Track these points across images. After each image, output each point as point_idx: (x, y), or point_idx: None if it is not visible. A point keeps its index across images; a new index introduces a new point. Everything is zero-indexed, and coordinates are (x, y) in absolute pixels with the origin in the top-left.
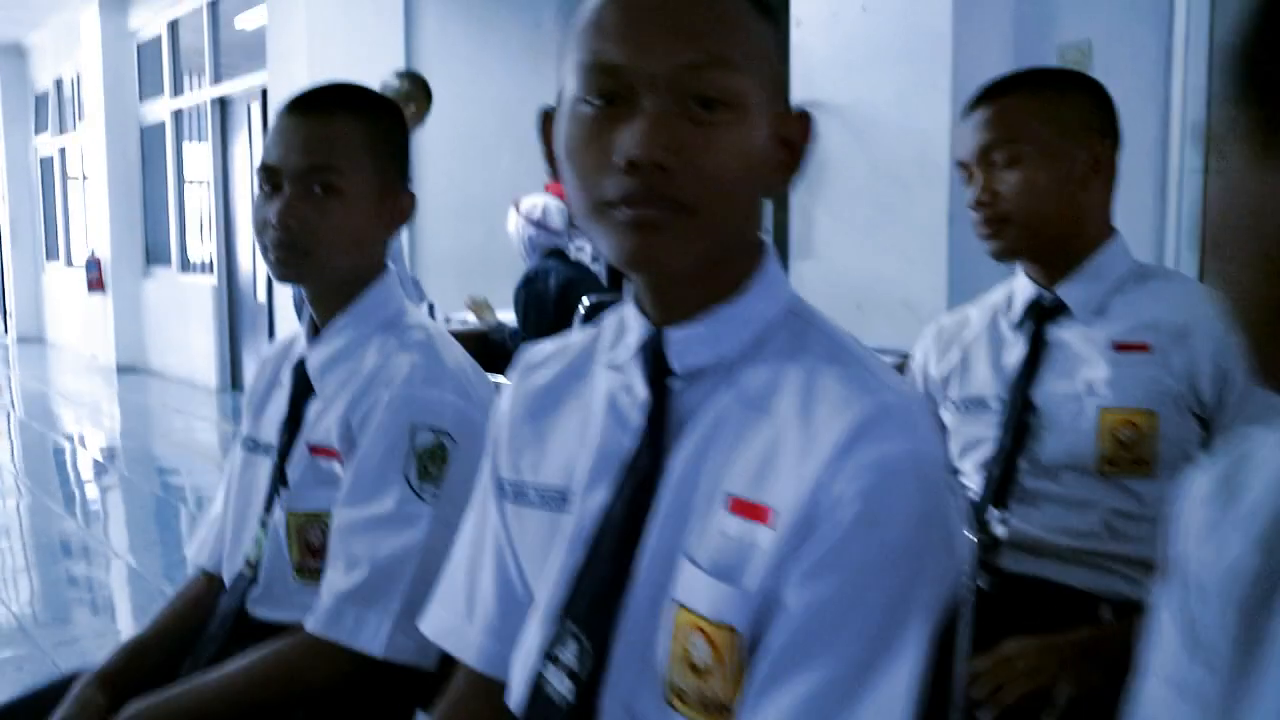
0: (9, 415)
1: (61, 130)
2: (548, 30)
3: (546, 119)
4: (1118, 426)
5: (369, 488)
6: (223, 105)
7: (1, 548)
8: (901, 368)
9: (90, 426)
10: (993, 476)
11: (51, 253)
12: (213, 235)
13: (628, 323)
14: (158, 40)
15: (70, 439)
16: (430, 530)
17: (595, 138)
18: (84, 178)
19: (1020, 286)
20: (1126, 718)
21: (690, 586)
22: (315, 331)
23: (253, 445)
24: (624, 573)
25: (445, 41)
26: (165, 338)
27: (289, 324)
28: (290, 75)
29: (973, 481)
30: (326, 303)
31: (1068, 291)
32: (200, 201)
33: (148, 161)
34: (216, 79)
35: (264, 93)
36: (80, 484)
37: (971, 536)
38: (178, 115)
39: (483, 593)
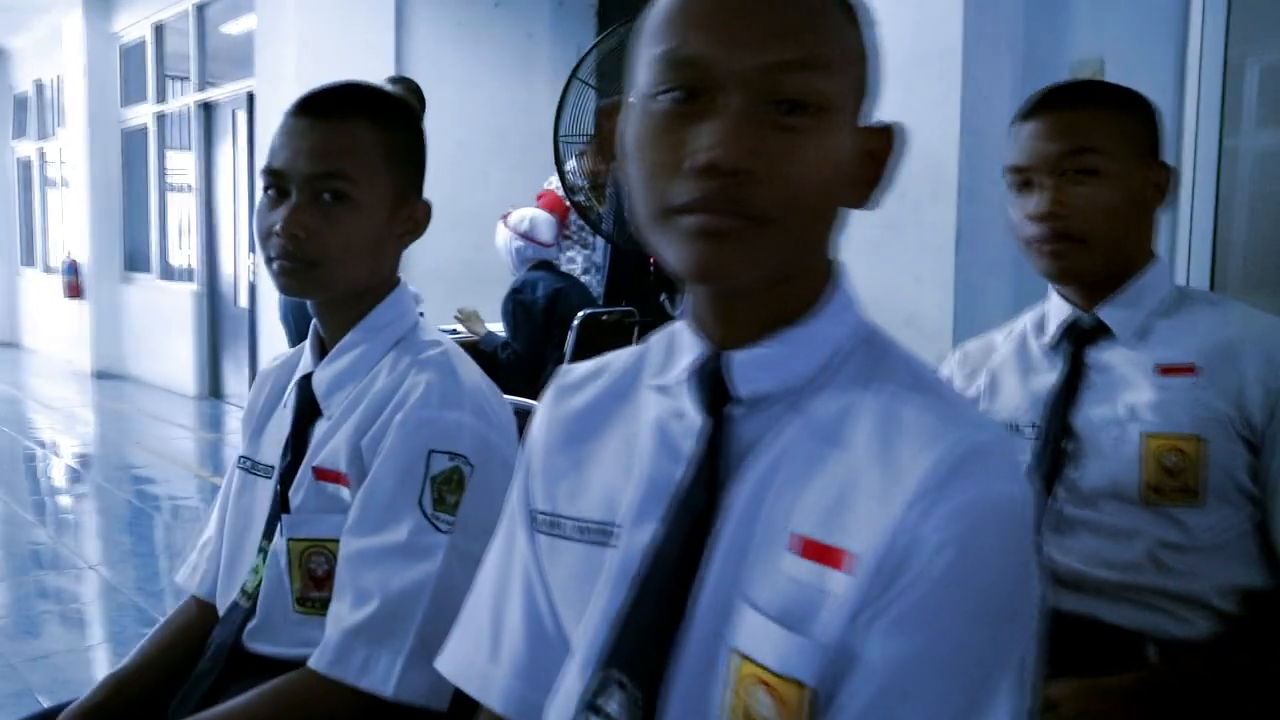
0: None
1: (41, 134)
2: (540, 42)
3: (608, 114)
4: (1163, 452)
5: (380, 516)
6: (207, 111)
7: None
8: None
9: (64, 433)
10: None
11: (28, 258)
12: (195, 242)
13: (680, 342)
14: (141, 44)
15: (43, 446)
16: (446, 562)
17: (667, 137)
18: (63, 182)
19: (1055, 308)
20: None
21: (753, 634)
22: (322, 348)
23: (251, 466)
24: (676, 616)
25: (436, 51)
26: (144, 344)
27: (272, 333)
28: (279, 82)
29: None
30: (334, 317)
31: (1110, 314)
32: (183, 208)
33: (129, 167)
34: (202, 84)
35: (250, 99)
36: (52, 492)
37: None
38: (161, 120)
39: (509, 631)
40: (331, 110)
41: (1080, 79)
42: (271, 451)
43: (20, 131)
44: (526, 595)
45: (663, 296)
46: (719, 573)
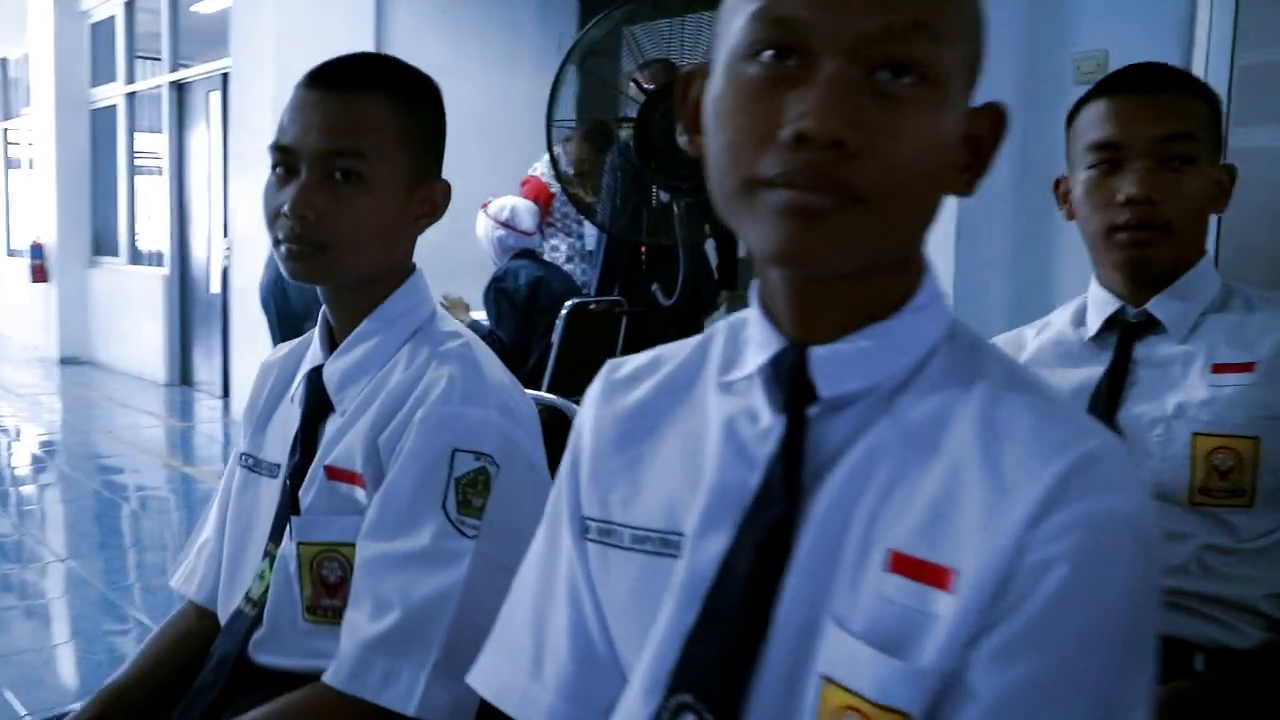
0: None
1: (6, 113)
2: (524, 30)
3: (686, 81)
4: (1214, 452)
5: (401, 520)
6: (180, 91)
7: None
8: None
9: (29, 421)
10: None
11: None
12: (166, 226)
13: (750, 335)
14: (111, 21)
15: (6, 433)
16: (472, 570)
17: (758, 103)
18: (29, 163)
19: (1097, 300)
20: None
21: (844, 659)
22: (331, 338)
23: (253, 464)
24: (755, 637)
25: (418, 36)
26: (112, 330)
27: (246, 320)
28: (255, 63)
29: None
30: (346, 306)
31: (1163, 307)
32: (153, 191)
33: (98, 148)
34: (174, 64)
35: (224, 80)
36: (16, 482)
37: None
38: (131, 100)
39: (553, 647)
40: (345, 82)
41: (1160, 64)
42: (276, 448)
43: None
44: (573, 609)
45: (654, 286)
46: (802, 590)
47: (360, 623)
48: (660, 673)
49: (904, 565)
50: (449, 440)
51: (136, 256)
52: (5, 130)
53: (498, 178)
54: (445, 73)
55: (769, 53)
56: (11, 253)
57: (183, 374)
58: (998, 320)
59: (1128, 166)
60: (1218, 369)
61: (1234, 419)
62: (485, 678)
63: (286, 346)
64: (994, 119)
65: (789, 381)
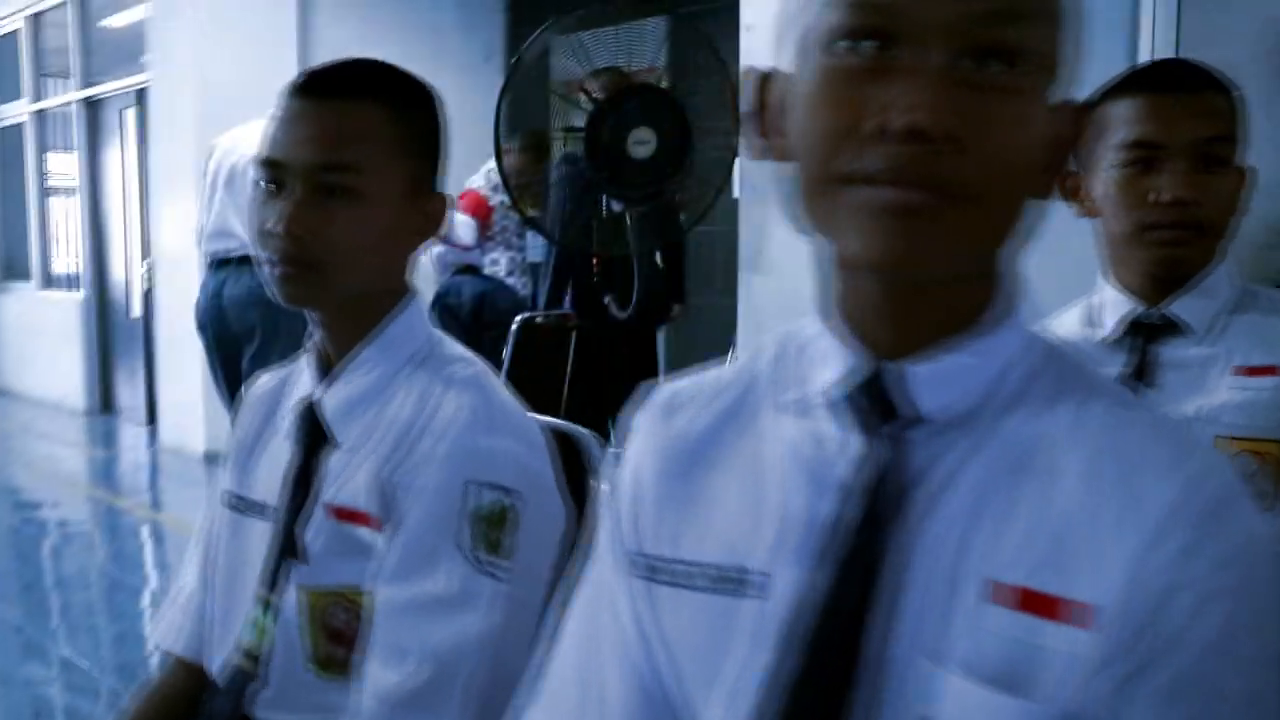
0: None
1: None
2: (448, 36)
3: (758, 83)
4: (1239, 456)
5: (420, 561)
6: (92, 109)
7: None
8: None
9: None
10: None
11: None
12: (80, 248)
13: (819, 350)
14: (15, 37)
15: None
16: (501, 613)
17: (846, 94)
18: None
19: (1111, 301)
20: None
21: (957, 700)
22: (324, 365)
23: (240, 505)
24: (845, 677)
25: (342, 43)
26: (25, 357)
27: (172, 342)
28: (174, 77)
29: None
30: (340, 330)
31: (1185, 307)
32: (66, 213)
33: (4, 168)
34: (86, 80)
35: (140, 96)
36: None
37: None
38: (40, 118)
39: (610, 696)
40: (336, 90)
41: (1189, 60)
42: (265, 487)
43: None
44: (627, 655)
45: (607, 298)
46: (896, 625)
47: (382, 676)
48: (738, 718)
49: (1012, 597)
50: (469, 473)
51: (50, 280)
52: None
53: None
54: None
55: (860, 42)
56: None
57: (104, 401)
58: None
59: (1165, 167)
60: (1246, 372)
61: (1259, 422)
62: None
63: (271, 375)
64: (1077, 118)
65: (875, 401)
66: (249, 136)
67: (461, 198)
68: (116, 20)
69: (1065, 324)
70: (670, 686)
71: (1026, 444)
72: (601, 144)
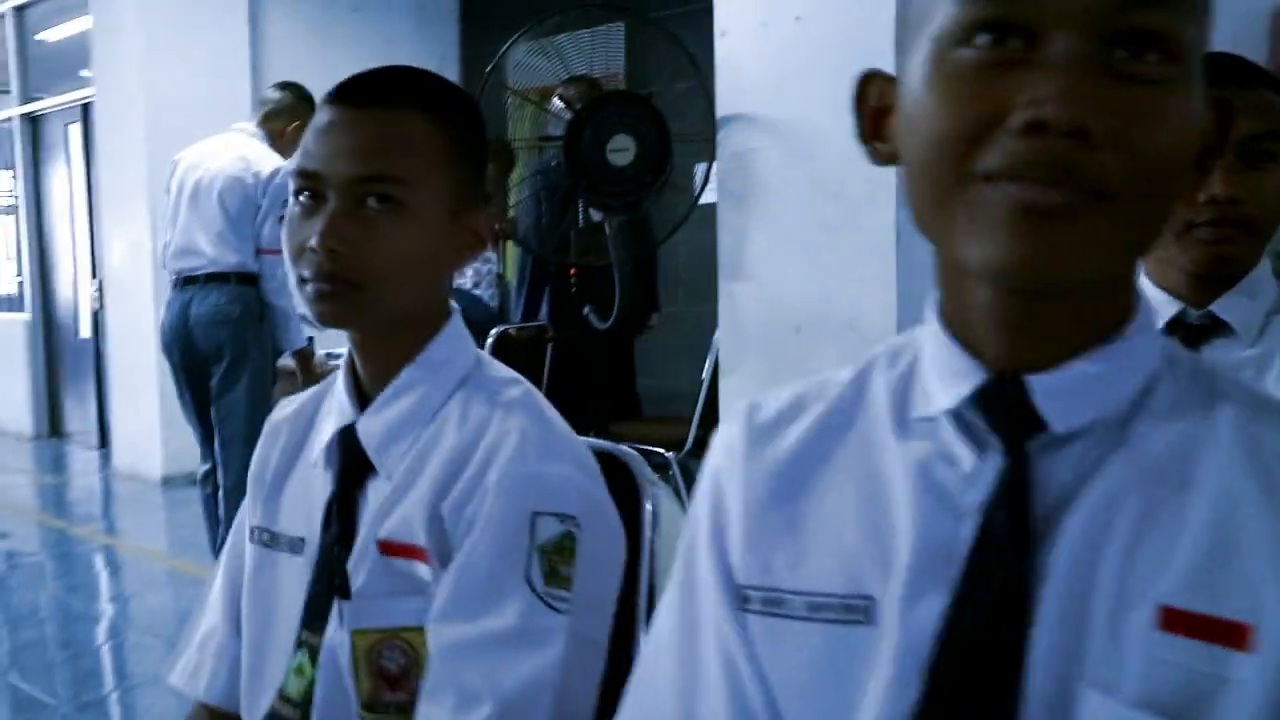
0: None
1: None
2: (400, 49)
3: (864, 85)
4: None
5: (481, 597)
6: (33, 124)
7: None
8: None
9: None
10: None
11: None
12: (24, 268)
13: (938, 364)
14: None
15: None
16: (567, 649)
17: (975, 87)
18: None
19: (1154, 302)
20: None
21: None
22: (359, 390)
23: (268, 539)
24: (1002, 712)
25: (293, 56)
26: None
27: (125, 363)
28: (121, 90)
29: None
30: (380, 352)
31: (1229, 309)
32: (6, 232)
33: None
34: (26, 95)
35: (85, 110)
36: None
37: None
38: None
39: None
40: (379, 99)
41: (1231, 53)
42: (295, 520)
43: None
44: (731, 695)
45: (587, 310)
46: (1050, 655)
47: None
48: None
49: (1181, 622)
50: (529, 503)
51: None
52: None
53: None
54: (323, 91)
55: (993, 34)
56: None
57: (52, 425)
58: None
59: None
60: None
61: None
62: None
63: (294, 401)
64: (1221, 113)
65: (1009, 415)
66: (213, 151)
67: None
68: (56, 33)
69: None
70: None
71: (1161, 455)
72: (581, 152)
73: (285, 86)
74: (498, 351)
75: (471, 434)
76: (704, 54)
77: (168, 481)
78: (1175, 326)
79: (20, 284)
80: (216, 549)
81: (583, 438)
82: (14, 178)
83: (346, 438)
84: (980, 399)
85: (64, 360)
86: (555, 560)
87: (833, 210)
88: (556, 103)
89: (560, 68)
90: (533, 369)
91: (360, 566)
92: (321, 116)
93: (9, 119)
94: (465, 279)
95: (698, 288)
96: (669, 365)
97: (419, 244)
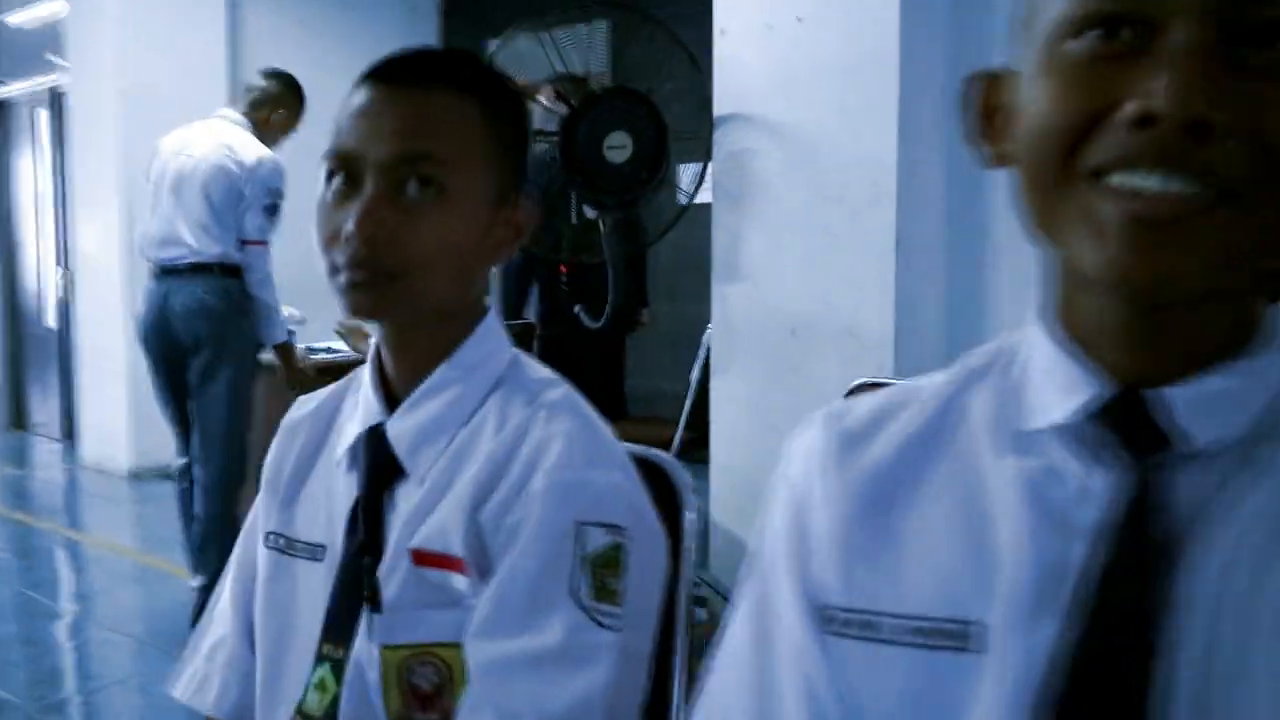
0: None
1: None
2: (386, 44)
3: (982, 86)
4: None
5: (525, 612)
6: (1, 109)
7: None
8: None
9: None
10: None
11: None
12: None
13: (1045, 373)
14: None
15: None
16: (617, 669)
17: (1087, 82)
18: None
19: None
20: None
21: None
22: (387, 388)
23: (285, 545)
24: None
25: (276, 48)
26: None
27: (93, 355)
28: (95, 77)
29: None
30: (413, 349)
31: None
32: None
33: None
34: None
35: (54, 96)
36: None
37: None
38: None
39: None
40: (420, 78)
41: None
42: (314, 525)
43: None
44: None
45: (578, 308)
46: (1183, 688)
47: None
48: None
49: None
50: (576, 512)
51: None
52: None
53: None
54: (305, 85)
55: (1100, 29)
56: None
57: (15, 416)
58: (939, 334)
59: None
60: None
61: None
62: None
63: (312, 399)
64: None
65: (1130, 430)
66: (197, 138)
67: None
68: (23, 17)
69: None
70: None
71: None
72: (577, 148)
73: (273, 75)
74: None
75: (511, 438)
76: (697, 54)
77: (136, 475)
78: None
79: None
80: (191, 546)
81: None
82: None
83: (374, 439)
84: (1105, 413)
85: (28, 350)
86: (603, 573)
87: (833, 214)
88: (542, 99)
89: (547, 64)
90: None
91: (391, 577)
92: (358, 96)
93: None
94: None
95: (679, 288)
96: (650, 365)
97: (460, 233)
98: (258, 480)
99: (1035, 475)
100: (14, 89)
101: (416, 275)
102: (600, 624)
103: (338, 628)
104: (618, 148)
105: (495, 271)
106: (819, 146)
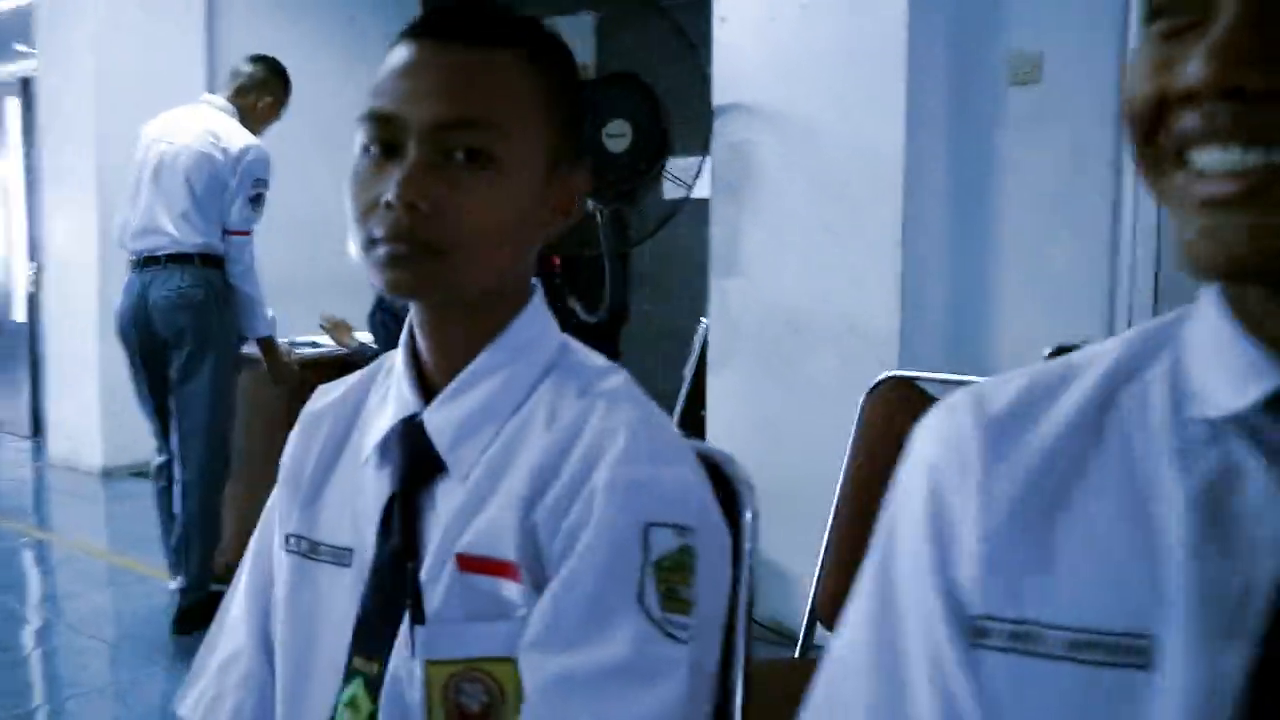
0: None
1: None
2: (363, 28)
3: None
4: None
5: (591, 623)
6: None
7: None
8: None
9: None
10: None
11: None
12: None
13: (1217, 359)
14: None
15: None
16: (687, 684)
17: (1150, 62)
18: None
19: None
20: None
21: None
22: (423, 376)
23: (307, 549)
24: None
25: (251, 32)
26: None
27: (64, 350)
28: (69, 65)
29: None
30: (453, 333)
31: None
32: None
33: None
34: None
35: (25, 84)
36: None
37: None
38: None
39: None
40: (468, 34)
41: None
42: (340, 527)
43: None
44: None
45: (573, 301)
46: None
47: None
48: None
49: None
50: (643, 512)
51: None
52: None
53: (341, 189)
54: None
55: (1165, 14)
56: None
57: None
58: (947, 330)
59: None
60: None
61: None
62: None
63: (334, 388)
64: None
65: None
66: (180, 125)
67: None
68: None
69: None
70: None
71: None
72: None
73: (259, 60)
74: None
75: (567, 430)
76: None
77: (108, 473)
78: None
79: None
80: (170, 547)
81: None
82: None
83: (410, 431)
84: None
85: None
86: (672, 579)
87: (833, 207)
88: None
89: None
90: None
91: (434, 584)
92: (400, 54)
93: None
94: None
95: (661, 285)
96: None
97: (511, 206)
98: (258, 476)
99: (1209, 475)
100: None
101: (462, 251)
102: (670, 636)
103: (371, 640)
104: (617, 136)
105: None
106: (821, 137)
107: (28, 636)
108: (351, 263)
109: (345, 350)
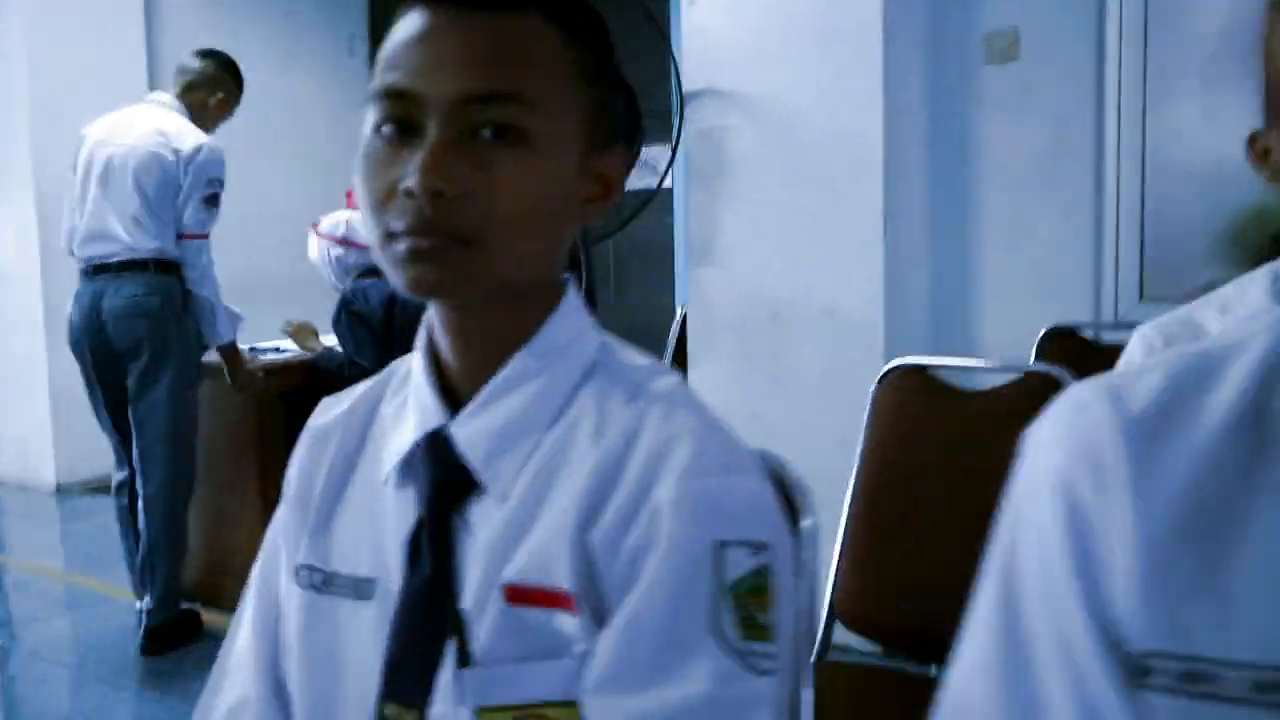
0: None
1: None
2: (303, 24)
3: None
4: None
5: (661, 658)
6: None
7: None
8: None
9: None
10: None
11: None
12: None
13: None
14: None
15: None
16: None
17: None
18: None
19: None
20: None
21: None
22: (446, 383)
23: (321, 582)
24: None
25: (190, 33)
26: None
27: (7, 364)
28: (4, 66)
29: None
30: (480, 333)
31: None
32: None
33: None
34: None
35: None
36: None
37: None
38: None
39: None
40: None
41: None
42: (359, 555)
43: None
44: None
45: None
46: None
47: None
48: None
49: None
50: (714, 529)
51: None
52: None
53: (299, 190)
54: None
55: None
56: None
57: None
58: (930, 315)
59: None
60: None
61: None
62: None
63: (341, 400)
64: None
65: None
66: (127, 125)
67: (350, 195)
68: None
69: (1248, 298)
70: None
71: None
72: None
73: (208, 54)
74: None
75: (620, 440)
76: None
77: (62, 490)
78: None
79: None
80: (133, 565)
81: None
82: None
83: (437, 446)
84: None
85: None
86: (751, 604)
87: (812, 193)
88: None
89: None
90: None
91: (479, 620)
92: (412, 22)
93: None
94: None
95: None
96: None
97: (545, 188)
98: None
99: None
100: None
101: (494, 241)
102: (754, 668)
103: (407, 684)
104: None
105: None
106: (797, 121)
107: None
108: (258, 262)
109: (310, 355)
